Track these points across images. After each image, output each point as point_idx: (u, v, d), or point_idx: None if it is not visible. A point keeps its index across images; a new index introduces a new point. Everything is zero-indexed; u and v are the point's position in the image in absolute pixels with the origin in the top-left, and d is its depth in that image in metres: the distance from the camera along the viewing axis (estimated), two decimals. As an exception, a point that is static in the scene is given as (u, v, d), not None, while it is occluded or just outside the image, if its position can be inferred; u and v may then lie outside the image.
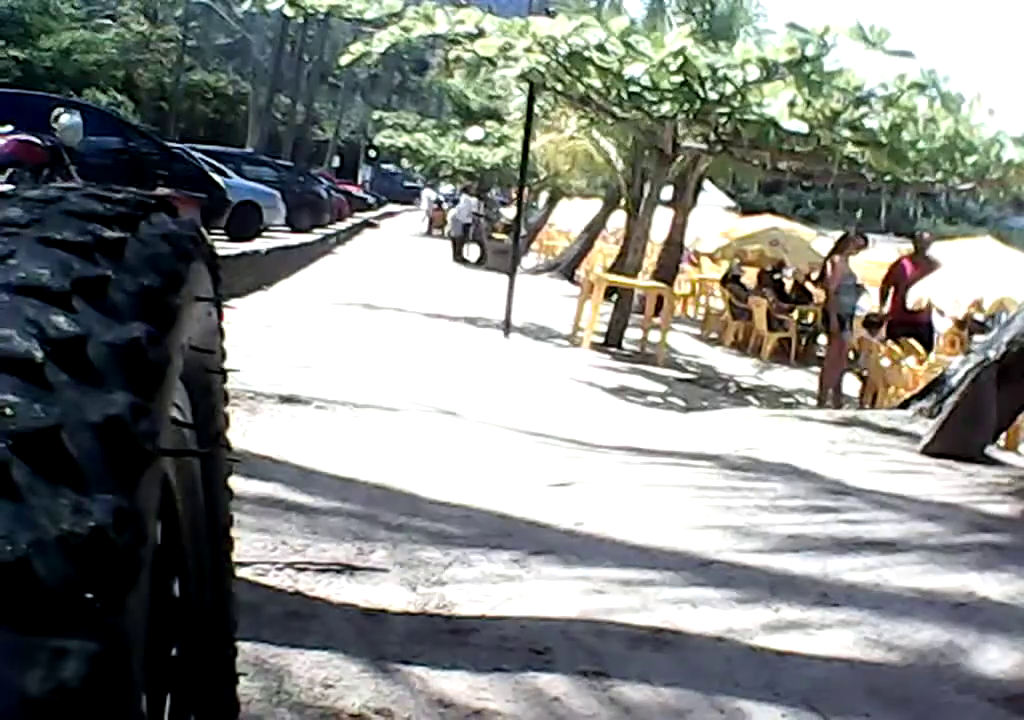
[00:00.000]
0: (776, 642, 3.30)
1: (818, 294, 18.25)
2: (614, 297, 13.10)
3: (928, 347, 12.24)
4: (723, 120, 10.37)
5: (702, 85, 9.56)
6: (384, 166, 56.63)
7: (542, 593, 3.51)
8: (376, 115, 45.81)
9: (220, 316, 1.12)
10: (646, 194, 13.03)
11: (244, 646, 2.28)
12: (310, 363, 7.82)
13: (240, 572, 2.06)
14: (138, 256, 0.83)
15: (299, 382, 6.83)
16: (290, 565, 3.47)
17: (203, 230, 1.04)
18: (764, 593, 3.75)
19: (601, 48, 9.44)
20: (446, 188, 41.50)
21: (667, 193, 14.34)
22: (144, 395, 0.71)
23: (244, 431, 5.01)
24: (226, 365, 1.20)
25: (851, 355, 12.45)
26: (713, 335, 17.24)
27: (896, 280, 12.42)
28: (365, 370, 7.99)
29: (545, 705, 2.70)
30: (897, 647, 3.38)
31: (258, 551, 3.50)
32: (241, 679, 1.43)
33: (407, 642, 2.96)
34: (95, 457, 0.64)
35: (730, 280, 17.28)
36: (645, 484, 5.38)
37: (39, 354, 0.66)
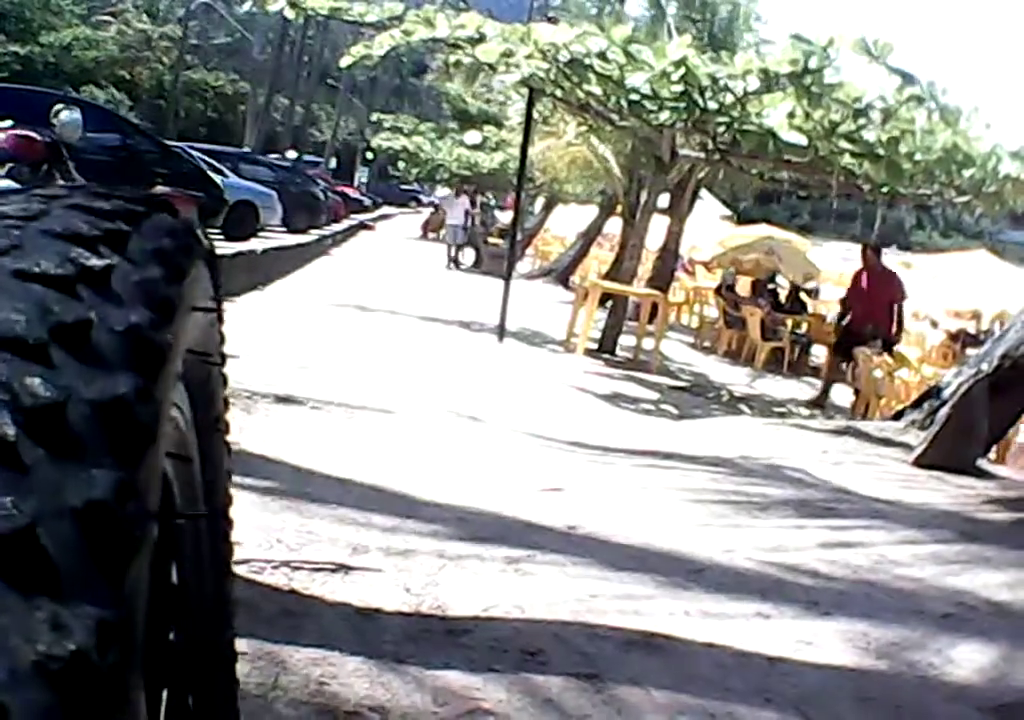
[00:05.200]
0: (767, 648, 3.33)
1: (813, 304, 18.37)
2: (608, 303, 13.12)
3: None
4: (722, 129, 10.40)
5: (702, 94, 9.60)
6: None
7: (535, 595, 3.53)
8: (374, 117, 45.85)
9: (219, 304, 1.10)
10: (643, 201, 13.07)
11: (240, 643, 2.29)
12: (305, 363, 7.83)
13: (235, 569, 2.08)
14: (126, 283, 0.73)
15: (294, 382, 6.85)
16: (285, 563, 3.48)
17: (200, 231, 0.99)
18: (755, 599, 3.77)
19: (602, 56, 9.46)
20: (442, 191, 41.40)
21: (664, 200, 14.37)
22: (131, 464, 0.62)
23: (240, 430, 5.02)
24: (225, 351, 1.19)
25: None
26: (707, 343, 17.26)
27: (856, 292, 12.44)
28: (360, 372, 8.01)
29: (538, 705, 2.72)
30: (887, 655, 3.41)
31: (253, 549, 3.51)
32: (237, 675, 1.44)
33: (401, 641, 2.98)
34: (75, 556, 0.54)
35: (724, 289, 17.31)
36: (638, 489, 5.40)
37: (12, 431, 0.56)
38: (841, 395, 12.44)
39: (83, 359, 0.63)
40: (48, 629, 0.50)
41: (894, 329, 12.18)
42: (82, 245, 0.72)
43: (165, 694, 0.94)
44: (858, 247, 13.11)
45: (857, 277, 12.53)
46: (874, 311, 11.95)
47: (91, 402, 0.61)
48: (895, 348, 12.21)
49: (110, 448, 0.60)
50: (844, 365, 12.38)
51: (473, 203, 26.98)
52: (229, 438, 1.21)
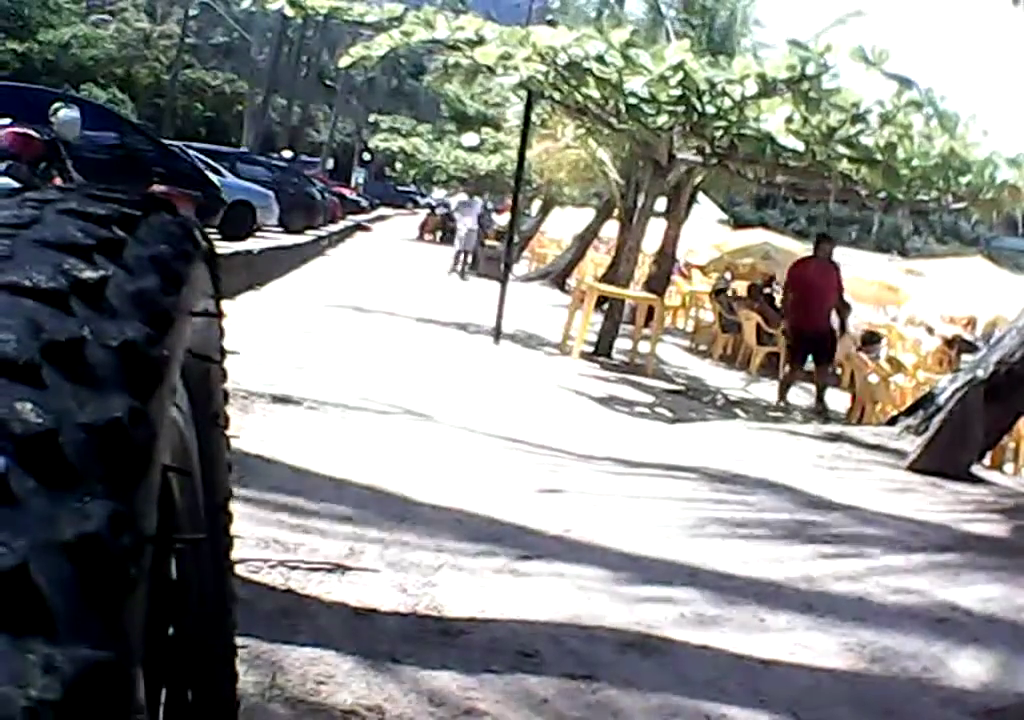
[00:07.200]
0: (761, 651, 3.34)
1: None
2: (605, 307, 13.13)
3: (827, 355, 11.92)
4: (719, 134, 10.43)
5: (700, 99, 9.62)
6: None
7: (531, 597, 3.54)
8: (372, 118, 45.87)
9: (219, 302, 1.10)
10: (640, 205, 13.07)
11: (237, 642, 2.30)
12: (302, 364, 7.83)
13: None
14: (121, 295, 0.69)
15: (291, 382, 6.84)
16: (282, 563, 3.49)
17: (198, 233, 0.98)
18: (750, 603, 3.78)
19: (600, 59, 9.48)
20: (439, 193, 41.37)
21: (661, 204, 14.38)
22: (126, 492, 0.58)
23: (237, 429, 5.02)
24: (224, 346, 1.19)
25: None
26: (702, 347, 17.28)
27: (798, 285, 11.73)
28: (356, 372, 8.01)
29: (534, 706, 2.73)
30: (880, 659, 3.42)
31: (250, 549, 3.52)
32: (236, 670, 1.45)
33: (398, 641, 2.99)
34: (68, 595, 0.51)
35: (719, 293, 17.34)
36: (633, 493, 5.41)
37: (2, 461, 0.53)
38: (836, 400, 12.45)
39: (76, 379, 0.60)
40: (40, 673, 0.47)
41: (840, 314, 11.86)
42: (76, 255, 0.69)
43: (164, 690, 0.95)
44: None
45: (800, 269, 11.93)
46: (825, 302, 11.53)
47: (85, 426, 0.58)
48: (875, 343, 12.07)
49: (104, 475, 0.57)
50: (833, 369, 12.29)
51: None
52: (227, 434, 1.22)
